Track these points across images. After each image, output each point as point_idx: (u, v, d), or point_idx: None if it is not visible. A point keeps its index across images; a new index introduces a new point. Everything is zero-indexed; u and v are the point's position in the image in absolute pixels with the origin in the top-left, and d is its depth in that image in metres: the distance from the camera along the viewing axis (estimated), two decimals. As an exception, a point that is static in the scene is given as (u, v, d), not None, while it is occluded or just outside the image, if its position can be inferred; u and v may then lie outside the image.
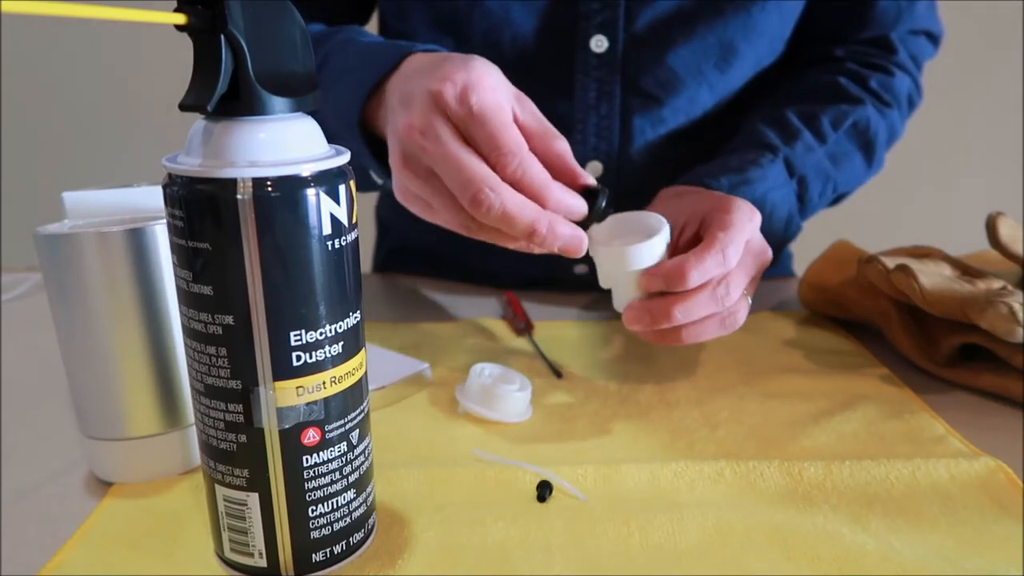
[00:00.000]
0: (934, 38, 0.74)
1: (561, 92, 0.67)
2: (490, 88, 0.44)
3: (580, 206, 0.46)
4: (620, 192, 0.71)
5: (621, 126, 0.68)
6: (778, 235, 0.64)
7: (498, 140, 0.43)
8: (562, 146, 0.46)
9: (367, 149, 0.54)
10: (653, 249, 0.48)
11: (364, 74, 0.52)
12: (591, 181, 0.47)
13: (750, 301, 0.51)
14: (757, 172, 0.62)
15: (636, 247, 0.47)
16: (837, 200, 0.72)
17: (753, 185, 0.61)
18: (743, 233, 0.49)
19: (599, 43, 0.65)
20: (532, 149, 0.45)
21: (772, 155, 0.64)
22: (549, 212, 0.44)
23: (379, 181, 0.58)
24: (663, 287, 0.47)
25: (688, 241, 0.52)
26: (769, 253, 0.52)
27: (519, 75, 0.67)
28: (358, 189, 0.37)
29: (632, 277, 0.48)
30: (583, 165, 0.69)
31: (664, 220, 0.49)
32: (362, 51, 0.56)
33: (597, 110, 0.67)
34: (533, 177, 0.44)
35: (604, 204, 0.47)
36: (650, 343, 0.61)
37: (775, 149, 0.64)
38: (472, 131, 0.44)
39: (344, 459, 0.34)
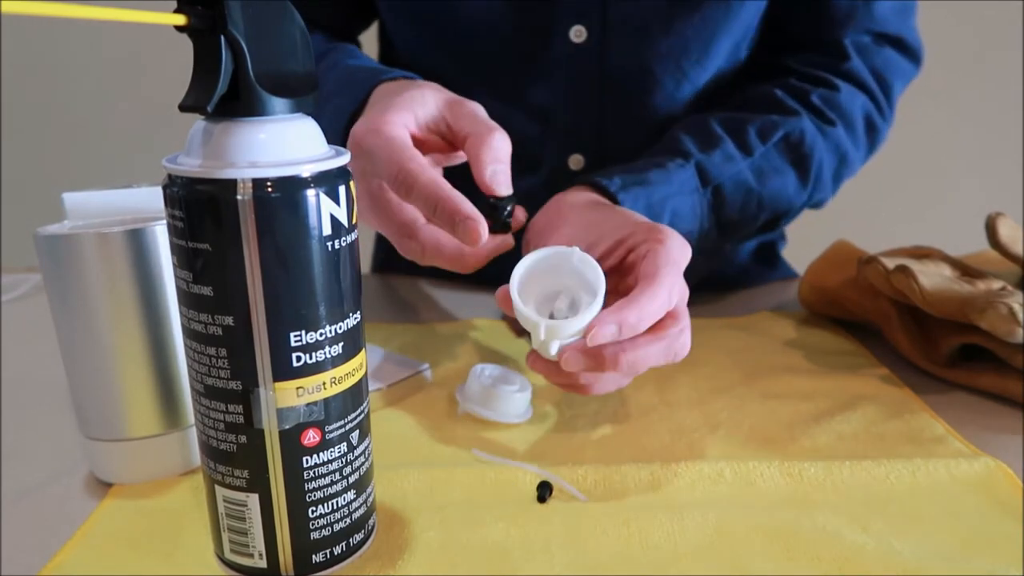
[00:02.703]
0: (907, 49, 0.68)
1: (539, 83, 0.67)
2: (387, 124, 0.46)
3: (467, 221, 0.43)
4: None
5: (600, 118, 0.67)
6: None
7: (390, 170, 0.45)
8: (488, 150, 0.46)
9: None
10: (586, 320, 0.41)
11: (341, 102, 0.54)
12: (499, 191, 0.46)
13: None
14: (659, 175, 0.57)
15: (568, 322, 0.41)
16: (772, 223, 0.65)
17: (651, 187, 0.56)
18: (680, 268, 0.44)
19: (578, 33, 0.64)
20: (466, 151, 0.47)
21: (683, 160, 0.59)
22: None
23: None
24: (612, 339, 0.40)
25: (610, 268, 0.46)
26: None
27: (497, 66, 0.67)
28: None
29: (569, 335, 0.42)
30: (563, 158, 0.69)
31: (600, 275, 0.42)
32: (340, 77, 0.58)
33: (576, 102, 0.66)
34: (422, 196, 0.44)
35: (507, 214, 0.47)
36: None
37: (687, 155, 0.60)
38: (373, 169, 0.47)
39: (344, 460, 0.34)
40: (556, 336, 0.41)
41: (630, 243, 0.45)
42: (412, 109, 0.48)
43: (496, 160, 0.46)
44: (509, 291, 0.42)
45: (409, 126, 0.48)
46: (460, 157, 0.51)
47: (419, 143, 0.48)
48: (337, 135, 0.53)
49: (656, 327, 0.42)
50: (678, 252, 0.44)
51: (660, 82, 0.66)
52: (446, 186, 0.44)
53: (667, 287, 0.42)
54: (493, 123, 0.47)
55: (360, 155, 0.47)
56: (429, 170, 0.45)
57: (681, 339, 0.43)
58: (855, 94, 0.66)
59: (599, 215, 0.50)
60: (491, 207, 0.46)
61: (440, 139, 0.49)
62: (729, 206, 0.61)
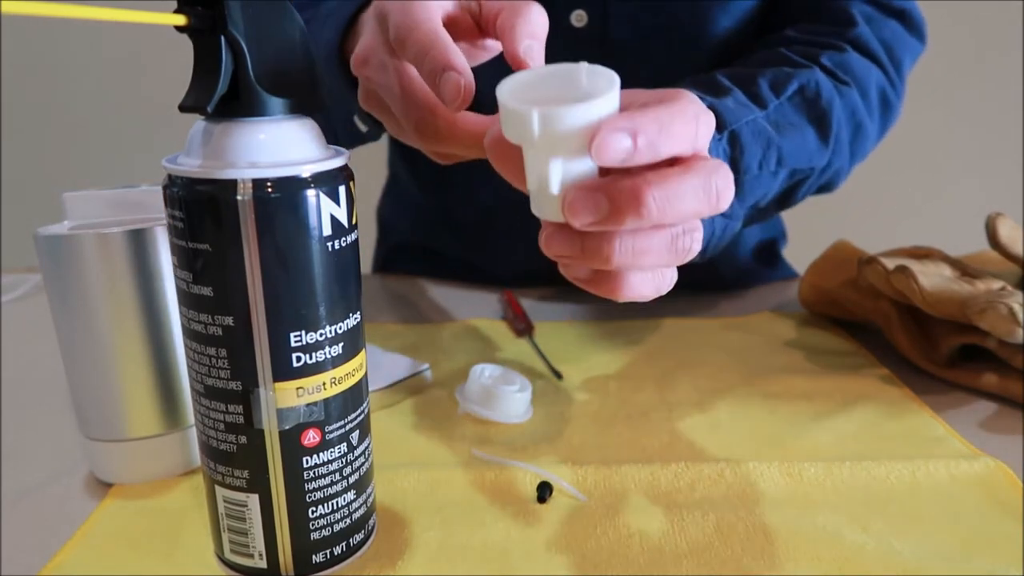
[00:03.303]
0: (912, 23, 0.65)
1: None
2: None
3: (450, 72, 0.37)
4: None
5: None
6: None
7: (397, 38, 0.39)
8: (524, 23, 0.38)
9: (349, 89, 0.49)
10: (596, 111, 0.29)
11: (343, 11, 0.51)
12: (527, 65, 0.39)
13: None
14: None
15: (570, 108, 0.29)
16: (790, 193, 0.57)
17: None
18: (710, 118, 0.34)
19: (579, 17, 0.64)
20: (499, 26, 0.39)
21: None
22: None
23: (363, 128, 0.56)
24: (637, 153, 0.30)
25: None
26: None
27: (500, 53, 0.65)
28: (347, 144, 0.35)
29: (572, 146, 0.30)
30: None
31: (614, 77, 0.31)
32: None
33: None
34: (412, 51, 0.38)
35: None
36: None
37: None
38: (387, 31, 0.40)
39: (344, 460, 0.34)
40: (556, 140, 0.29)
41: (638, 102, 0.34)
42: None
43: (532, 35, 0.38)
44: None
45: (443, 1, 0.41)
46: (490, 50, 0.45)
47: (451, 22, 0.41)
48: (333, 43, 0.49)
49: (683, 161, 0.32)
50: (701, 104, 0.34)
51: (659, 61, 0.65)
52: (446, 38, 0.38)
53: (692, 111, 0.32)
54: None
55: (381, 23, 0.41)
56: (436, 23, 0.39)
57: (721, 173, 0.32)
58: (868, 66, 0.62)
59: None
60: None
61: (471, 21, 0.42)
62: (748, 157, 0.51)
